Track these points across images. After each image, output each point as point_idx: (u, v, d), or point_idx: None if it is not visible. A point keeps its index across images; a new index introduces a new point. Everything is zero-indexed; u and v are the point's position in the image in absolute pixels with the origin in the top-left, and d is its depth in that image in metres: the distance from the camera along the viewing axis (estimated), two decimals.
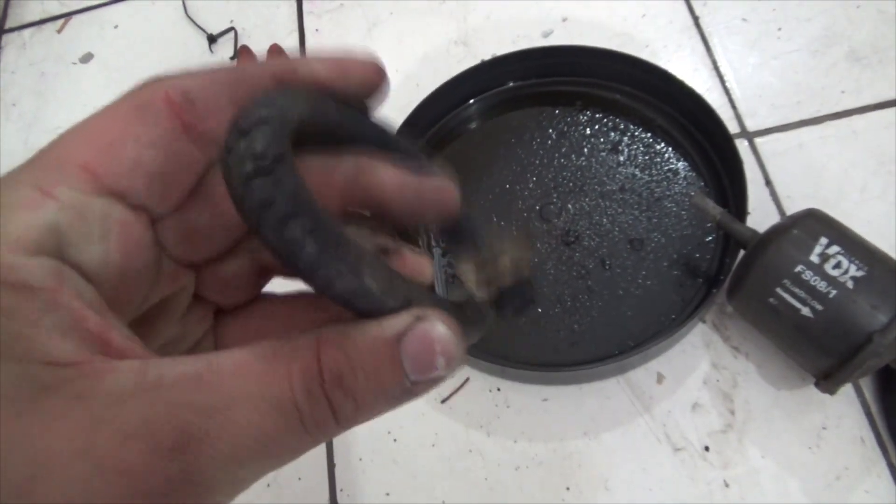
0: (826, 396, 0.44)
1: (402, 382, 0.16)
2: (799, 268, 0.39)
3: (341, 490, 0.47)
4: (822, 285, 0.39)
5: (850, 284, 0.38)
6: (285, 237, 0.14)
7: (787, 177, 0.53)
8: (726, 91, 0.57)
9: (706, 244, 0.50)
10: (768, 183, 0.53)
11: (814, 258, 0.39)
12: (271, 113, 0.15)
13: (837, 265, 0.39)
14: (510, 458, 0.46)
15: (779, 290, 0.40)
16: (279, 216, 0.14)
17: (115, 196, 0.17)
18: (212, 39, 0.68)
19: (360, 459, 0.48)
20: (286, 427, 0.15)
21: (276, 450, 0.16)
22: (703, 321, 0.48)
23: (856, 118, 0.54)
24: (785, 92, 0.57)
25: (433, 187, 0.21)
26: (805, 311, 0.39)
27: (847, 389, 0.45)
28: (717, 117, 0.50)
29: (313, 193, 0.15)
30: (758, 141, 0.55)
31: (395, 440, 0.48)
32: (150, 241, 0.18)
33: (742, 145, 0.55)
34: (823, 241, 0.40)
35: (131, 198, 0.17)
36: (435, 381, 0.17)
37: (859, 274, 0.39)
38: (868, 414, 0.44)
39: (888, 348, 0.38)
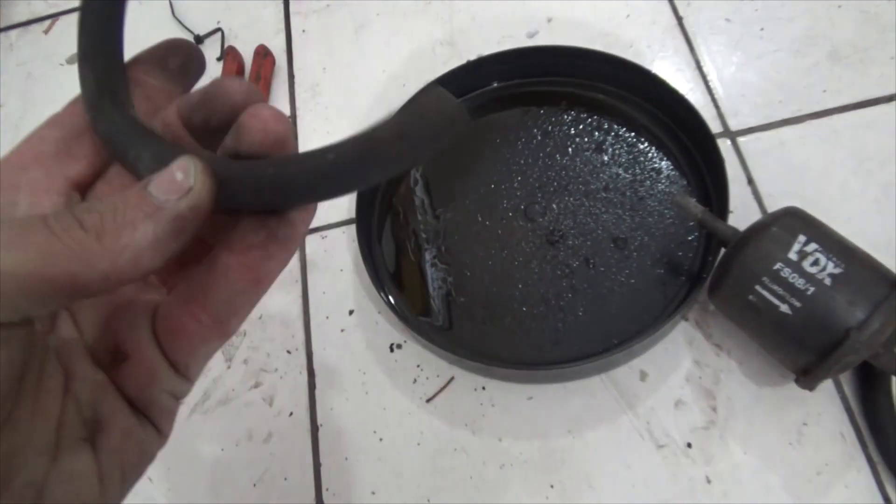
0: (807, 393, 0.45)
1: (146, 198, 0.18)
2: (778, 265, 0.40)
3: (327, 489, 0.48)
4: (800, 282, 0.39)
5: (827, 281, 0.39)
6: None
7: (769, 175, 0.53)
8: (709, 90, 0.58)
9: (689, 243, 0.50)
10: (750, 182, 0.53)
11: (792, 255, 0.40)
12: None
13: (815, 262, 0.39)
14: (495, 456, 0.47)
15: (758, 288, 0.40)
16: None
17: None
18: (199, 40, 0.68)
19: (346, 459, 0.48)
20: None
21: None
22: (686, 319, 0.49)
23: (836, 117, 0.55)
24: (767, 91, 0.57)
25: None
26: (784, 308, 0.40)
27: (827, 386, 0.45)
28: (699, 116, 0.51)
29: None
30: (740, 140, 0.55)
31: (380, 439, 0.48)
32: None
33: (725, 144, 0.55)
34: (802, 238, 0.40)
35: None
36: (180, 191, 0.19)
37: (837, 271, 0.39)
38: (848, 410, 0.44)
39: (865, 344, 0.38)
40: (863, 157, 0.53)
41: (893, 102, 0.54)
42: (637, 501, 0.44)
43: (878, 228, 0.49)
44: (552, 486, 0.45)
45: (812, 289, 0.39)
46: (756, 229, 0.42)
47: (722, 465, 0.44)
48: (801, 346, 0.40)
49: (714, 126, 0.56)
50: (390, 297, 0.52)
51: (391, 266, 0.54)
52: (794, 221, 0.42)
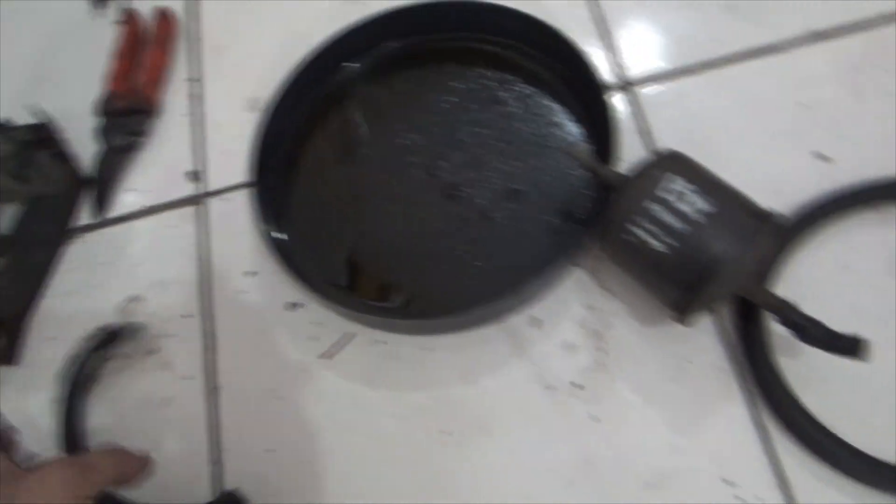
0: (689, 331, 0.46)
1: None
2: (649, 204, 0.41)
3: (227, 450, 0.48)
4: (671, 220, 0.40)
5: (698, 219, 0.40)
6: None
7: (666, 125, 0.54)
8: (609, 41, 0.58)
9: (584, 192, 0.51)
10: (646, 132, 0.54)
11: (664, 195, 0.41)
12: None
13: (687, 201, 0.40)
14: (394, 408, 0.47)
15: (630, 226, 0.41)
16: None
17: None
18: (100, 1, 0.67)
19: (246, 419, 0.49)
20: None
21: None
22: (578, 266, 0.50)
23: (731, 67, 0.56)
24: (665, 43, 0.58)
25: None
26: (658, 245, 0.41)
27: (708, 323, 0.46)
28: (589, 67, 0.51)
29: None
30: (637, 91, 0.56)
31: (280, 398, 0.49)
32: None
33: (622, 95, 0.56)
34: (677, 179, 0.41)
35: None
36: None
37: (708, 209, 0.40)
38: (727, 345, 0.46)
39: (732, 276, 0.40)
40: (753, 105, 0.54)
41: (784, 51, 0.55)
42: (529, 442, 0.45)
43: (763, 170, 0.50)
44: (450, 434, 0.46)
45: (683, 226, 0.40)
46: (636, 172, 0.43)
47: (609, 404, 0.45)
48: (674, 281, 0.41)
49: (613, 77, 0.57)
50: (290, 258, 0.52)
51: (295, 227, 0.54)
52: (672, 163, 0.43)
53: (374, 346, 0.49)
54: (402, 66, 0.59)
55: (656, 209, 0.41)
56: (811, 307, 0.45)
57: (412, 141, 0.55)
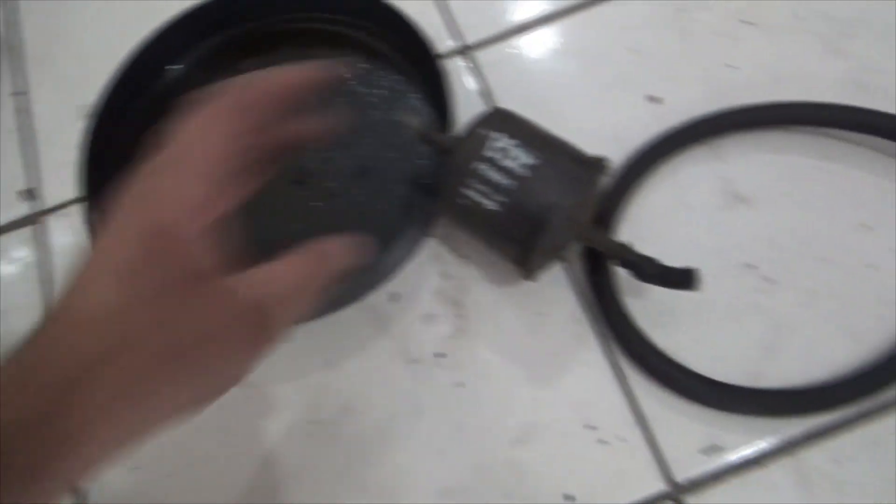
0: (542, 285, 0.47)
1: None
2: (478, 164, 0.41)
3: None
4: (499, 178, 0.40)
5: (525, 173, 0.40)
6: None
7: (506, 85, 0.55)
8: (444, 7, 0.58)
9: (423, 164, 0.51)
10: (487, 94, 0.54)
11: (489, 153, 0.41)
12: None
13: (512, 157, 0.40)
14: (254, 405, 0.46)
15: (463, 189, 0.41)
16: None
17: None
18: None
19: None
20: None
21: None
22: (431, 235, 0.49)
23: (562, 21, 0.56)
24: (498, 3, 0.58)
25: None
26: (490, 204, 0.41)
27: (559, 274, 0.47)
28: (420, 35, 0.51)
29: None
30: (476, 54, 0.56)
31: None
32: None
33: (462, 60, 0.56)
34: (501, 136, 0.41)
35: None
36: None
37: (533, 161, 0.40)
38: (580, 292, 0.46)
39: (565, 225, 0.40)
40: (585, 55, 0.55)
41: (612, 1, 0.56)
42: (398, 419, 0.45)
43: (600, 119, 0.52)
44: (315, 422, 0.45)
45: (510, 182, 0.40)
46: (462, 135, 0.43)
47: (472, 369, 0.45)
48: (511, 238, 0.41)
49: (452, 43, 0.57)
50: None
51: None
52: (494, 121, 0.43)
53: None
54: (234, 58, 0.57)
55: (484, 168, 0.40)
56: (654, 246, 0.46)
57: None
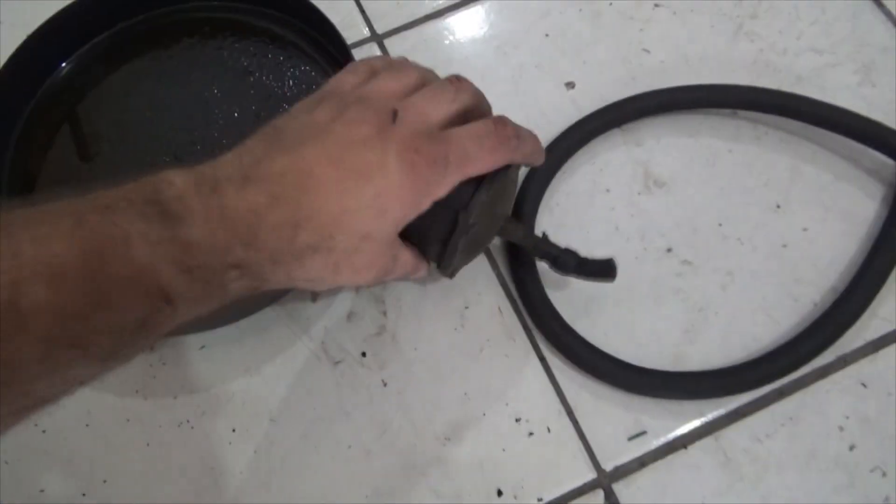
0: (465, 279, 0.46)
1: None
2: None
3: None
4: None
5: None
6: None
7: None
8: None
9: None
10: None
11: None
12: None
13: None
14: (171, 415, 0.44)
15: None
16: None
17: None
18: None
19: (6, 462, 0.43)
20: None
21: None
22: None
23: (472, 7, 0.55)
24: None
25: None
26: None
27: (484, 268, 0.46)
28: (329, 25, 0.49)
29: None
30: (387, 42, 0.54)
31: (43, 431, 0.44)
32: None
33: (373, 48, 0.54)
34: None
35: None
36: None
37: None
38: (504, 286, 0.46)
39: (484, 225, 0.39)
40: (499, 41, 0.54)
41: None
42: (321, 422, 0.43)
43: (518, 107, 0.51)
44: (234, 430, 0.43)
45: None
46: None
47: (396, 366, 0.44)
48: (429, 239, 0.40)
49: (362, 31, 0.55)
50: None
51: None
52: None
53: (141, 355, 0.45)
54: (132, 52, 0.53)
55: None
56: (575, 232, 0.46)
57: (159, 130, 0.51)
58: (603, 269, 0.40)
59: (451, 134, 0.33)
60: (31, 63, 0.50)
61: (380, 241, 0.32)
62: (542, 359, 0.44)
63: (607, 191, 0.48)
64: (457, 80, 0.36)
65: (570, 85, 0.52)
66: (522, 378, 0.43)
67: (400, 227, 0.33)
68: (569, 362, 0.43)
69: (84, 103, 0.52)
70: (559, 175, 0.48)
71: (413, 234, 0.38)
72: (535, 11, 0.54)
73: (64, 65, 0.53)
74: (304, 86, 0.51)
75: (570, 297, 0.45)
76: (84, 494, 0.42)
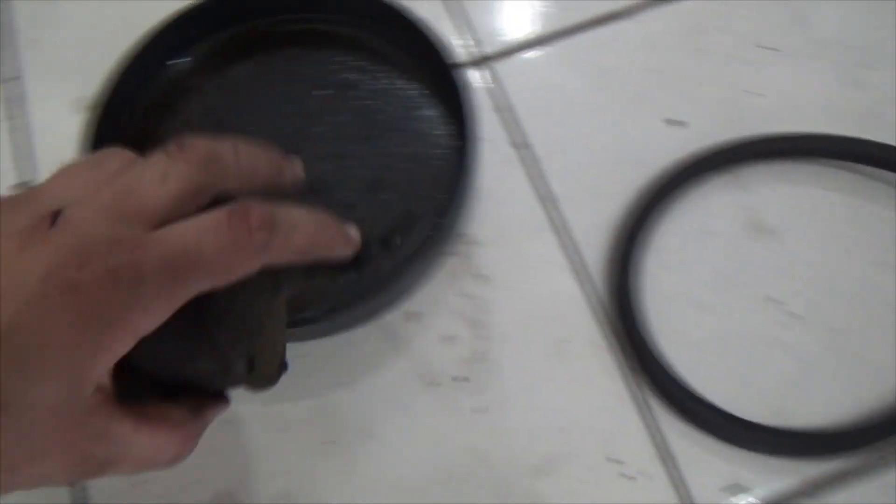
0: (567, 309, 0.46)
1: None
2: None
3: (99, 490, 0.44)
4: None
5: None
6: None
7: (522, 98, 0.53)
8: (462, 16, 0.56)
9: (442, 174, 0.49)
10: (504, 107, 0.53)
11: None
12: None
13: None
14: (269, 422, 0.44)
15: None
16: None
17: None
18: None
19: None
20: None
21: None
22: (453, 254, 0.48)
23: (581, 35, 0.55)
24: (517, 13, 0.57)
25: None
26: None
27: (580, 299, 0.46)
28: (438, 45, 0.49)
29: None
30: (493, 65, 0.55)
31: None
32: None
33: (479, 70, 0.54)
34: None
35: None
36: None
37: None
38: (604, 321, 0.46)
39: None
40: (606, 72, 0.54)
41: (631, 17, 0.55)
42: (416, 442, 0.43)
43: (620, 141, 0.51)
44: (330, 443, 0.44)
45: None
46: None
47: (492, 394, 0.44)
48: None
49: (469, 53, 0.55)
50: None
51: None
52: None
53: None
54: (241, 56, 0.54)
55: None
56: (677, 274, 0.46)
57: (261, 137, 0.51)
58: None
59: (157, 235, 0.23)
60: (146, 61, 0.51)
61: (51, 411, 0.21)
62: (640, 398, 0.44)
63: (711, 234, 0.48)
64: (177, 149, 0.25)
65: (674, 122, 0.51)
66: (620, 418, 0.43)
67: (90, 382, 0.22)
68: (668, 405, 0.43)
69: (188, 102, 0.53)
70: (663, 215, 0.48)
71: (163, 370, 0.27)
72: (641, 44, 0.54)
73: (172, 63, 0.54)
74: (405, 108, 0.52)
75: (672, 339, 0.44)
76: (183, 490, 0.43)
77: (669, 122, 0.51)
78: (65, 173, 0.25)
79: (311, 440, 0.44)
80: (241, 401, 0.44)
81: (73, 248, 0.21)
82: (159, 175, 0.24)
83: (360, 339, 0.46)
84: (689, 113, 0.52)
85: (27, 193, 0.24)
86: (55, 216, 0.22)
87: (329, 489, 0.43)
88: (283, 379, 0.45)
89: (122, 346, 0.22)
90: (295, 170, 0.32)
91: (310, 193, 0.48)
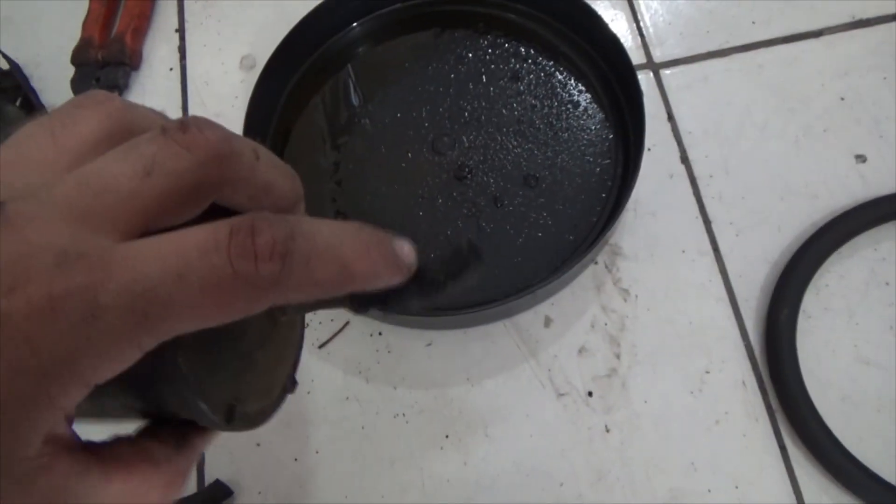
0: (711, 341, 0.43)
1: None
2: None
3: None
4: None
5: None
6: None
7: (691, 111, 0.51)
8: (636, 18, 0.54)
9: (602, 182, 0.47)
10: (670, 118, 0.50)
11: None
12: None
13: None
14: (389, 405, 0.44)
15: None
16: None
17: None
18: None
19: None
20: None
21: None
22: (596, 263, 0.46)
23: (762, 51, 0.52)
24: (695, 20, 0.54)
25: None
26: None
27: (732, 334, 0.43)
28: (620, 45, 0.47)
29: None
30: (663, 73, 0.52)
31: None
32: None
33: (647, 77, 0.52)
34: None
35: None
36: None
37: None
38: (751, 357, 0.43)
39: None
40: (784, 94, 0.50)
41: (821, 37, 0.52)
42: (534, 450, 0.42)
43: (796, 170, 0.47)
44: (447, 437, 0.43)
45: None
46: None
47: (622, 414, 0.42)
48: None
49: (637, 57, 0.53)
50: None
51: None
52: None
53: (370, 337, 0.46)
54: (408, 30, 0.54)
55: None
56: (843, 322, 0.43)
57: (416, 114, 0.51)
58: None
59: (125, 252, 0.16)
60: (315, 27, 0.52)
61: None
62: (783, 448, 0.41)
63: (886, 284, 0.44)
64: (178, 130, 0.17)
65: (861, 158, 0.47)
66: (757, 463, 0.41)
67: (31, 443, 0.16)
68: (813, 459, 0.40)
69: (342, 72, 0.53)
70: (834, 255, 0.44)
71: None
72: (834, 70, 0.50)
73: (336, 38, 0.54)
74: (568, 105, 0.50)
75: (824, 389, 0.41)
76: (296, 460, 0.43)
77: (855, 156, 0.48)
78: (18, 144, 0.18)
79: (428, 429, 0.43)
80: (368, 380, 0.44)
81: (6, 262, 0.15)
82: (144, 163, 0.17)
83: (495, 335, 0.45)
84: (881, 150, 0.48)
85: None
86: None
87: (445, 485, 0.42)
88: (407, 363, 0.45)
89: (70, 399, 0.16)
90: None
91: (457, 181, 0.48)
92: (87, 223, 0.16)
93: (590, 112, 0.50)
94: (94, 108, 0.19)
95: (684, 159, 0.49)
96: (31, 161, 0.18)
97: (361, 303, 0.21)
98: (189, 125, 0.17)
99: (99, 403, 0.18)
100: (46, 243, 0.15)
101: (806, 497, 0.40)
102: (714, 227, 0.46)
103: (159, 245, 0.16)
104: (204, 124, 0.18)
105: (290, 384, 0.25)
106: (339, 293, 0.19)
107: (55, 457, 0.17)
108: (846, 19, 0.52)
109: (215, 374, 0.20)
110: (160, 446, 0.20)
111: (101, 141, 0.18)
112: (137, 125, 0.19)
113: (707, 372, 0.43)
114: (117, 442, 0.19)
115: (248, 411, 0.22)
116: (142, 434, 0.20)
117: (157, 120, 0.20)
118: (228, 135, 0.18)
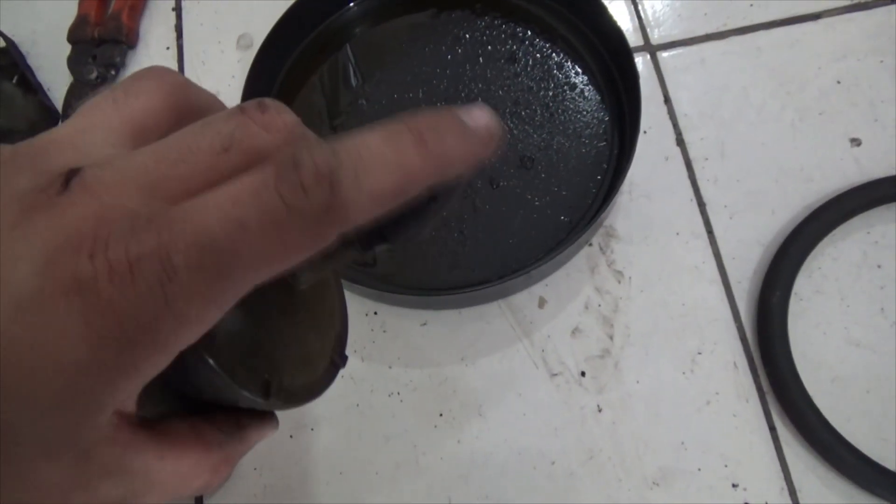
0: (703, 322, 0.44)
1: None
2: None
3: None
4: None
5: None
6: None
7: (687, 94, 0.51)
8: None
9: (598, 164, 0.48)
10: (667, 100, 0.50)
11: None
12: None
13: None
14: (384, 383, 0.45)
15: None
16: None
17: None
18: None
19: None
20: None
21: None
22: (590, 245, 0.46)
23: (761, 34, 0.52)
24: (694, 3, 0.54)
25: None
26: None
27: (724, 315, 0.44)
28: (617, 27, 0.47)
29: None
30: (661, 55, 0.52)
31: None
32: None
33: (644, 59, 0.52)
34: None
35: None
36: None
37: None
38: (743, 339, 0.43)
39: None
40: (783, 78, 0.50)
41: (820, 20, 0.51)
42: (527, 429, 0.43)
43: (791, 153, 0.47)
44: (441, 415, 0.43)
45: None
46: None
47: (614, 394, 0.43)
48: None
49: (634, 39, 0.53)
50: None
51: None
52: None
53: (365, 316, 0.46)
54: (406, 10, 0.54)
55: None
56: (835, 305, 0.43)
57: (413, 95, 0.51)
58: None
59: (184, 210, 0.15)
60: (314, 8, 0.52)
61: (47, 454, 0.16)
62: (773, 428, 0.41)
63: (878, 267, 0.44)
64: (257, 110, 0.17)
65: (856, 142, 0.47)
66: (747, 443, 0.41)
67: (103, 415, 0.16)
68: (802, 439, 0.40)
69: (339, 53, 0.53)
70: (827, 238, 0.44)
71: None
72: (831, 53, 0.50)
73: (334, 17, 0.54)
74: (564, 87, 0.50)
75: (815, 370, 0.42)
76: (291, 437, 0.44)
77: (851, 140, 0.48)
78: (87, 113, 0.18)
79: (422, 407, 0.44)
80: (362, 358, 0.44)
81: (84, 224, 0.15)
82: (222, 140, 0.17)
83: (489, 315, 0.45)
84: (875, 134, 0.48)
85: (37, 142, 0.17)
86: (69, 176, 0.16)
87: (438, 462, 0.42)
88: (402, 342, 0.45)
89: (153, 367, 0.16)
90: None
91: None
92: (160, 192, 0.16)
93: (586, 94, 0.50)
94: (156, 80, 0.19)
95: (680, 142, 0.49)
96: (100, 129, 0.18)
97: (366, 242, 0.20)
98: (268, 106, 0.17)
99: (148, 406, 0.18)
100: (122, 208, 0.15)
101: (794, 476, 0.40)
102: (708, 209, 0.47)
103: (215, 198, 0.16)
104: (281, 107, 0.18)
105: (340, 358, 0.25)
106: (409, 199, 0.18)
107: (119, 429, 0.17)
108: (845, 2, 0.52)
109: (231, 350, 0.19)
110: (214, 431, 0.21)
111: (162, 111, 0.19)
112: (195, 101, 0.20)
113: (699, 353, 0.43)
114: (173, 420, 0.20)
115: (287, 386, 0.22)
116: (197, 416, 0.21)
117: (213, 97, 0.21)
118: (300, 121, 0.18)
